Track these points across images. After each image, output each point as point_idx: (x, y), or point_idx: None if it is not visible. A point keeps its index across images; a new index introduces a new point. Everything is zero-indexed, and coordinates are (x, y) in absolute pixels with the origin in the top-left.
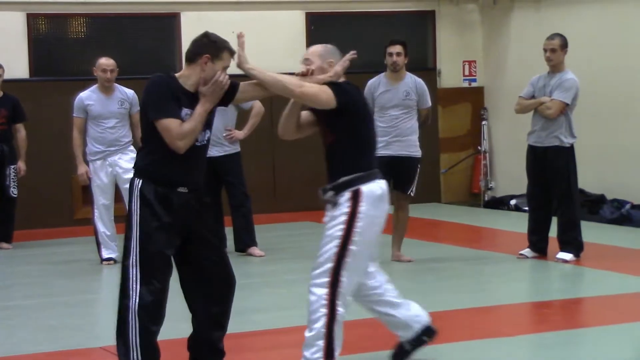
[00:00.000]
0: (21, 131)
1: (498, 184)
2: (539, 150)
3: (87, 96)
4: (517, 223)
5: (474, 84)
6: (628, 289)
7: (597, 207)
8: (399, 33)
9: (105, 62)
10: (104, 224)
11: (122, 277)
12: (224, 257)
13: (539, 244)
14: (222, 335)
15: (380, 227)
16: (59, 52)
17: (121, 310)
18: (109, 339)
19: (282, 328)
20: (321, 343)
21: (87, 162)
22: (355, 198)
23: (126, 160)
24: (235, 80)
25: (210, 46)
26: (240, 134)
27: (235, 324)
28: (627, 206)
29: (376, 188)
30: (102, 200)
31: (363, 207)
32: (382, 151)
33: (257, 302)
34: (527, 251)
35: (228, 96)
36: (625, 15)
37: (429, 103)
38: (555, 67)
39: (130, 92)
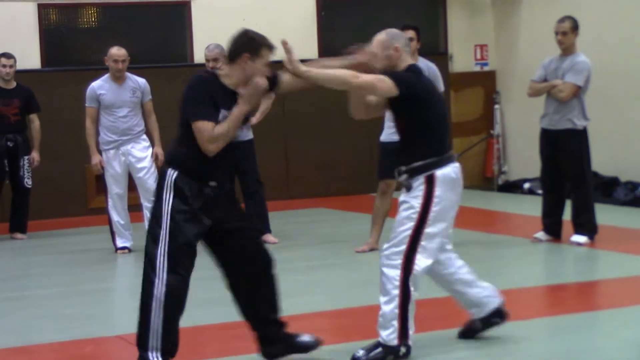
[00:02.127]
0: (35, 122)
1: (511, 168)
2: (551, 133)
3: (99, 85)
4: (531, 206)
5: (485, 68)
6: None
7: (611, 189)
8: (409, 17)
9: (117, 52)
10: (117, 213)
11: (148, 265)
12: (258, 239)
13: (553, 227)
14: (277, 313)
15: (455, 210)
16: (71, 42)
17: (145, 297)
18: (125, 327)
19: (297, 314)
20: (395, 324)
21: (100, 152)
22: (430, 183)
23: (139, 149)
24: (277, 71)
25: (249, 44)
26: (252, 119)
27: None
28: None
29: (450, 172)
30: (116, 189)
31: (438, 192)
32: (394, 136)
33: None
34: (541, 234)
35: (270, 88)
36: None
37: (442, 87)
38: (567, 50)
39: (142, 81)
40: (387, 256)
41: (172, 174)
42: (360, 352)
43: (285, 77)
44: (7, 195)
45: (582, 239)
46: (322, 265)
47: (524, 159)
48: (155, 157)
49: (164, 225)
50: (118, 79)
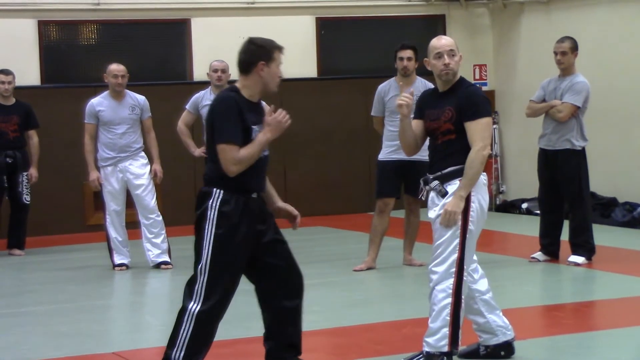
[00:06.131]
0: (34, 138)
1: (509, 188)
2: (550, 153)
3: (98, 102)
4: (529, 226)
5: (484, 88)
6: None
7: (609, 210)
8: (409, 37)
9: (116, 67)
10: (115, 230)
11: (190, 280)
12: (291, 254)
13: (550, 247)
14: (296, 331)
15: (484, 219)
16: (70, 59)
17: (180, 311)
18: (121, 344)
19: None
20: (446, 330)
21: (98, 168)
22: None
23: (137, 167)
24: None
25: (260, 51)
26: None
27: (244, 329)
28: (639, 209)
29: (482, 178)
30: (114, 206)
31: (474, 195)
32: (393, 155)
33: None
34: (538, 254)
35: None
36: (635, 17)
37: None
38: (566, 70)
39: (141, 98)
40: (437, 271)
41: (217, 194)
42: None
43: None
44: (6, 212)
45: (579, 259)
46: (320, 283)
47: (522, 179)
48: (154, 174)
49: (206, 244)
50: (117, 95)
